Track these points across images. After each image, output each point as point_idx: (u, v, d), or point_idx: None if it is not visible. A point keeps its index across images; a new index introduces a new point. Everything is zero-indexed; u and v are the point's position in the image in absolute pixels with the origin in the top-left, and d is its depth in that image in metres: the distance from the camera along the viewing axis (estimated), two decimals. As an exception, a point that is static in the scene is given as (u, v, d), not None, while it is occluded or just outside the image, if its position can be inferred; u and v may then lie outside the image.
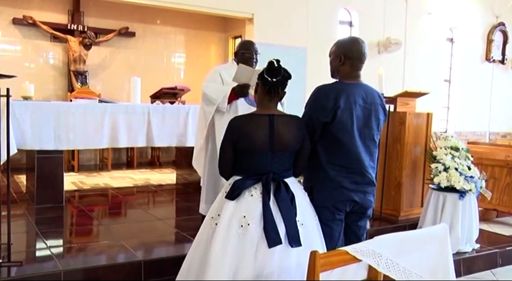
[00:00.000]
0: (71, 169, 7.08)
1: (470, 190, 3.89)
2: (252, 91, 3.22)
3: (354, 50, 2.53)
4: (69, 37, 7.63)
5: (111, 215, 4.76)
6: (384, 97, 2.94)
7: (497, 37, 10.24)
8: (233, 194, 2.24)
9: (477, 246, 4.04)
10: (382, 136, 4.12)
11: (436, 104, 8.97)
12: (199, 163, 3.69)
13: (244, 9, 7.32)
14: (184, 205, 4.96)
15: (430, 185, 4.11)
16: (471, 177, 3.93)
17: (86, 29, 7.78)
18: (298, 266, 2.13)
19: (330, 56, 2.64)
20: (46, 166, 4.49)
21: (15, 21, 7.39)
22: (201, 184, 3.83)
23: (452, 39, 9.93)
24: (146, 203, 5.33)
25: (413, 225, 4.20)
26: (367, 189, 2.54)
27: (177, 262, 2.61)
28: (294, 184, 2.35)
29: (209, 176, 3.54)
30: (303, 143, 2.38)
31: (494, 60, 10.23)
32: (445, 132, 8.82)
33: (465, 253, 3.90)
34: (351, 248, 1.76)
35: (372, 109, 2.52)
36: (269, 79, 2.30)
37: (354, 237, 2.57)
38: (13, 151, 3.91)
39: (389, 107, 4.25)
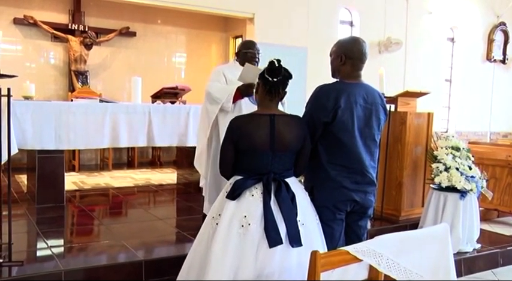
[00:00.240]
0: (72, 168, 7.09)
1: (471, 190, 3.88)
2: None
3: (354, 50, 2.53)
4: (70, 37, 7.63)
5: (111, 215, 4.76)
6: (385, 97, 2.94)
7: (498, 37, 10.23)
8: (234, 194, 2.24)
9: (478, 246, 4.03)
10: (383, 136, 4.12)
11: (437, 104, 8.96)
12: (201, 163, 3.68)
13: (245, 9, 7.32)
14: (185, 204, 4.96)
15: (431, 185, 4.11)
16: (472, 177, 3.93)
17: (86, 29, 7.78)
18: (299, 266, 2.13)
19: (330, 55, 2.64)
20: (47, 165, 4.49)
21: (16, 21, 7.40)
22: (200, 185, 3.83)
23: (453, 39, 9.92)
24: (147, 203, 5.33)
25: (414, 225, 4.20)
26: (368, 189, 2.54)
27: (177, 262, 2.61)
28: (295, 184, 2.35)
29: (213, 175, 3.54)
30: (303, 143, 2.38)
31: (495, 60, 10.22)
32: (446, 132, 8.83)
33: (466, 253, 3.90)
34: (351, 248, 1.76)
35: (372, 109, 2.52)
36: (270, 79, 2.30)
37: (354, 237, 2.57)
38: (14, 150, 3.91)
39: (390, 106, 4.25)
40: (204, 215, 2.91)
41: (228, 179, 2.40)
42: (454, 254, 2.18)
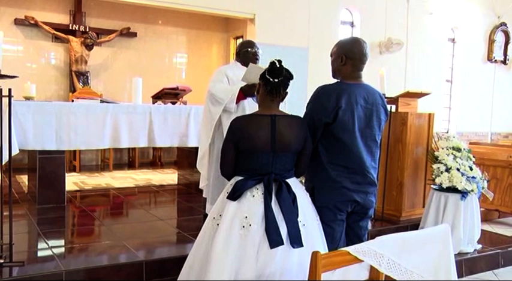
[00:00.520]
0: (73, 169, 7.09)
1: (472, 191, 3.88)
2: None
3: (355, 51, 2.53)
4: (70, 37, 7.64)
5: (112, 215, 4.76)
6: (386, 97, 2.95)
7: (499, 37, 10.22)
8: (235, 195, 2.24)
9: (479, 247, 4.03)
10: (384, 136, 4.12)
11: (437, 105, 8.96)
12: (203, 164, 3.68)
13: (245, 9, 7.33)
14: (186, 205, 4.96)
15: (432, 186, 4.11)
16: (473, 177, 3.93)
17: (87, 30, 7.79)
18: (300, 266, 2.13)
19: (331, 56, 2.64)
20: (48, 166, 4.50)
21: (17, 22, 7.40)
22: (200, 186, 3.82)
23: (454, 39, 9.91)
24: (148, 203, 5.33)
25: (415, 225, 4.20)
26: (369, 189, 2.54)
27: (178, 262, 2.62)
28: (296, 185, 2.35)
29: (215, 176, 3.53)
30: (304, 144, 2.38)
31: (496, 60, 10.22)
32: (447, 132, 8.83)
33: (467, 253, 3.89)
34: (352, 249, 1.76)
35: (373, 109, 2.52)
36: (271, 79, 2.30)
37: (355, 237, 2.57)
38: (15, 151, 3.92)
39: (390, 107, 4.26)
40: (205, 216, 2.91)
41: (229, 179, 2.40)
42: (455, 254, 2.18)
